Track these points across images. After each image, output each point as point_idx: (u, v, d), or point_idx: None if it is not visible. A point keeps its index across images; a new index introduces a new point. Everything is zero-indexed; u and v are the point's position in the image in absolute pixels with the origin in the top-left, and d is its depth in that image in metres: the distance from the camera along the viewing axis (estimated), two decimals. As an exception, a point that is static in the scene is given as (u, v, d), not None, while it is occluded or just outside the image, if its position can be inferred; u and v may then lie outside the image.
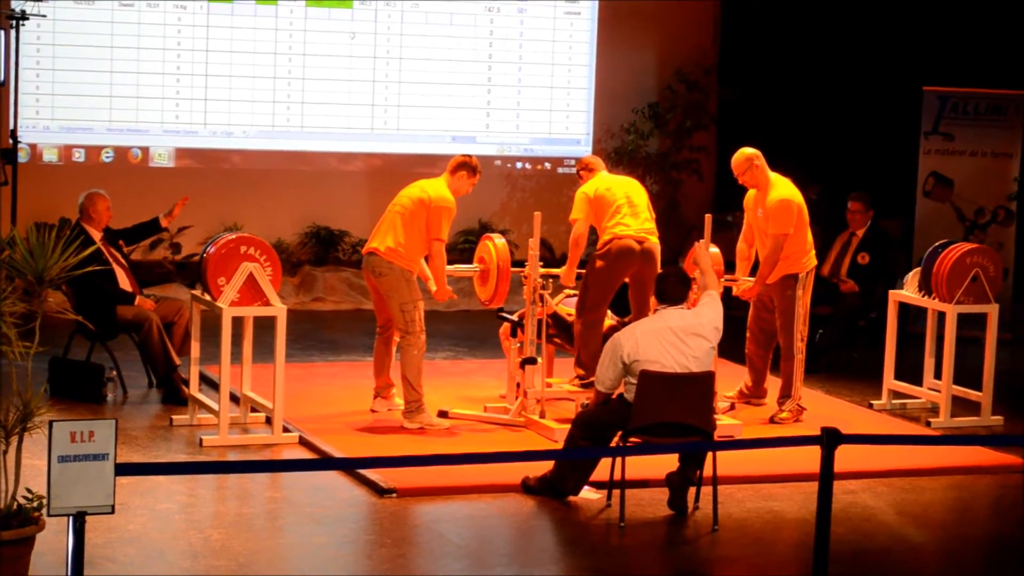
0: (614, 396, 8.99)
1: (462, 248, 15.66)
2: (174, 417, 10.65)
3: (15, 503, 7.14)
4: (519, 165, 16.76)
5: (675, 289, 9.07)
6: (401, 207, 10.71)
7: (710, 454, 8.94)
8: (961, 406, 11.68)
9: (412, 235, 10.62)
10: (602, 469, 9.08)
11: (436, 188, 10.72)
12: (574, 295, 11.54)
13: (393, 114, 16.26)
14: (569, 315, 11.16)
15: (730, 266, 11.62)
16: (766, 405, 11.56)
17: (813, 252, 11.38)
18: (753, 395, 11.69)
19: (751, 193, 11.42)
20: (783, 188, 11.25)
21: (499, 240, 11.04)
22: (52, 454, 6.35)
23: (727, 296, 11.23)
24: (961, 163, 15.59)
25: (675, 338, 8.84)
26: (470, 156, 10.97)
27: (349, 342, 13.84)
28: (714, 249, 11.03)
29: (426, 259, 10.84)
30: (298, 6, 15.85)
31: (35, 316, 7.43)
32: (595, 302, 10.91)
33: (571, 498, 9.16)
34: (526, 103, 16.68)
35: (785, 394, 11.30)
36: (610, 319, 11.13)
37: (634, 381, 8.75)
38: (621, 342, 8.87)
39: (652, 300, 9.35)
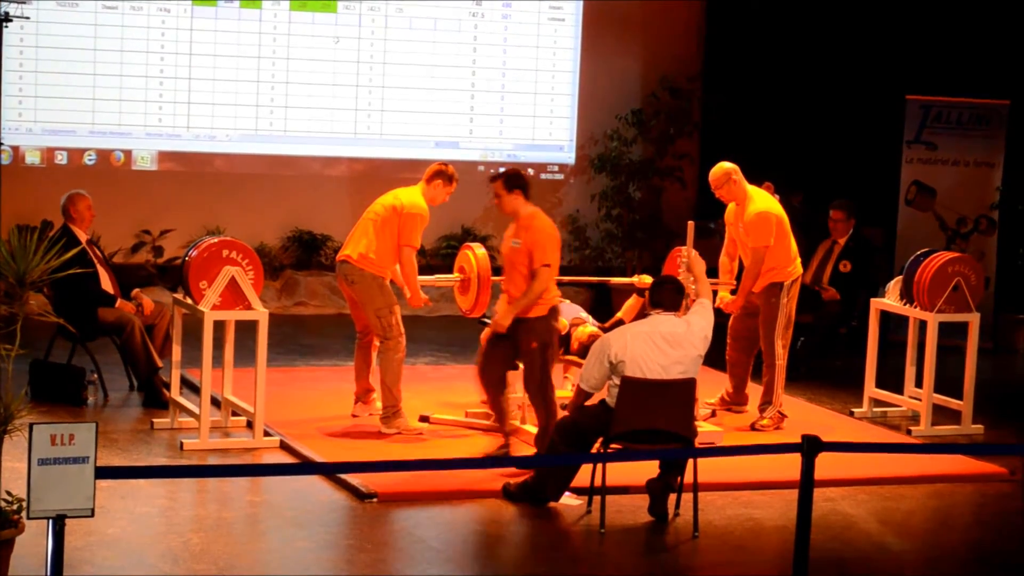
0: (594, 397, 9.00)
1: (444, 254, 15.65)
2: (155, 420, 10.63)
3: (-6, 506, 7.13)
4: (502, 171, 16.71)
5: (670, 297, 9.09)
6: (374, 214, 10.72)
7: (691, 461, 8.95)
8: (942, 415, 11.70)
9: (384, 242, 10.62)
10: (583, 475, 9.08)
11: (409, 196, 10.74)
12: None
13: (376, 119, 16.25)
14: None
15: (712, 272, 11.62)
16: (747, 412, 11.58)
17: (799, 260, 11.41)
18: (734, 402, 11.71)
19: (731, 207, 11.44)
20: (761, 201, 11.28)
21: (479, 249, 11.01)
22: (32, 457, 6.33)
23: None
24: (943, 172, 15.62)
25: (664, 344, 8.86)
26: (446, 164, 10.96)
27: (331, 346, 13.83)
28: (694, 253, 11.05)
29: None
30: (282, 10, 15.83)
31: (16, 318, 7.41)
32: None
33: (552, 504, 9.17)
34: (510, 109, 16.68)
35: (766, 401, 11.32)
36: (591, 326, 11.11)
37: (618, 382, 8.76)
38: (610, 342, 8.88)
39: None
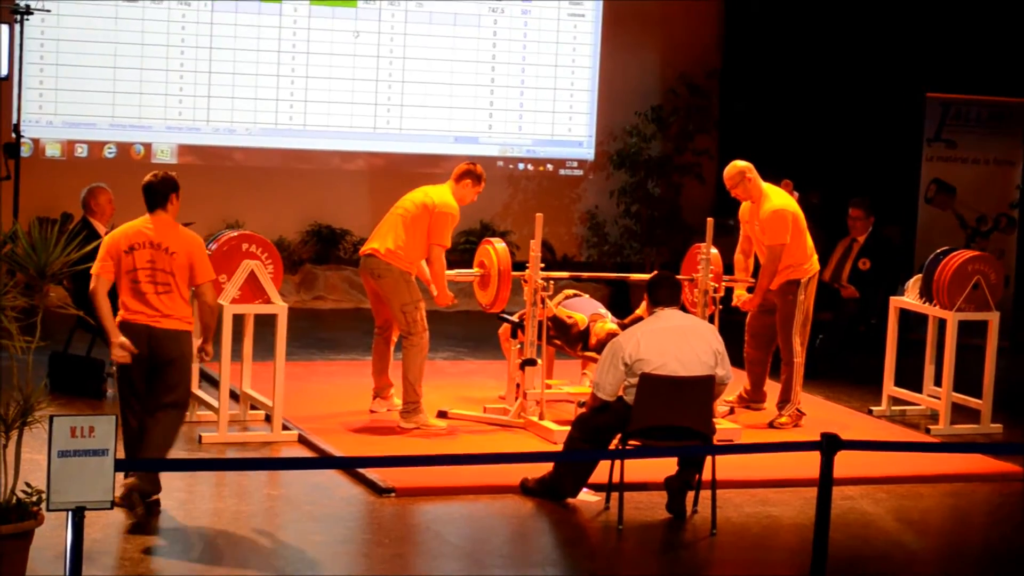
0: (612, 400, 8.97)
1: (463, 249, 15.65)
2: (173, 414, 10.64)
3: (14, 497, 7.14)
4: (521, 166, 16.77)
5: (668, 293, 9.06)
6: (403, 210, 10.70)
7: (709, 458, 8.95)
8: (961, 413, 11.68)
9: (412, 238, 10.61)
10: (601, 471, 9.07)
11: (440, 194, 10.70)
12: (575, 295, 11.52)
13: (396, 114, 16.26)
14: (569, 317, 11.14)
15: (727, 270, 11.62)
16: (765, 410, 11.56)
17: (815, 257, 11.38)
18: (752, 399, 11.69)
19: (746, 205, 11.42)
20: (776, 198, 11.25)
21: (499, 244, 11.01)
22: (52, 449, 6.35)
23: (726, 303, 11.25)
24: (963, 170, 15.58)
25: (677, 336, 8.84)
26: (475, 164, 10.93)
27: (349, 341, 13.84)
28: (713, 250, 11.04)
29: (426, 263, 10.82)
30: (302, 4, 15.85)
31: (36, 311, 7.43)
32: None
33: (569, 500, 9.16)
34: (529, 104, 16.68)
35: (784, 399, 11.30)
36: (611, 323, 11.09)
37: (635, 382, 8.74)
38: (621, 344, 8.86)
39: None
